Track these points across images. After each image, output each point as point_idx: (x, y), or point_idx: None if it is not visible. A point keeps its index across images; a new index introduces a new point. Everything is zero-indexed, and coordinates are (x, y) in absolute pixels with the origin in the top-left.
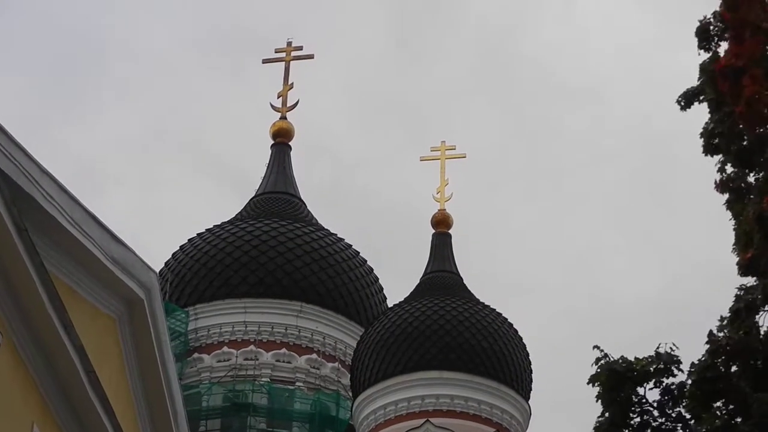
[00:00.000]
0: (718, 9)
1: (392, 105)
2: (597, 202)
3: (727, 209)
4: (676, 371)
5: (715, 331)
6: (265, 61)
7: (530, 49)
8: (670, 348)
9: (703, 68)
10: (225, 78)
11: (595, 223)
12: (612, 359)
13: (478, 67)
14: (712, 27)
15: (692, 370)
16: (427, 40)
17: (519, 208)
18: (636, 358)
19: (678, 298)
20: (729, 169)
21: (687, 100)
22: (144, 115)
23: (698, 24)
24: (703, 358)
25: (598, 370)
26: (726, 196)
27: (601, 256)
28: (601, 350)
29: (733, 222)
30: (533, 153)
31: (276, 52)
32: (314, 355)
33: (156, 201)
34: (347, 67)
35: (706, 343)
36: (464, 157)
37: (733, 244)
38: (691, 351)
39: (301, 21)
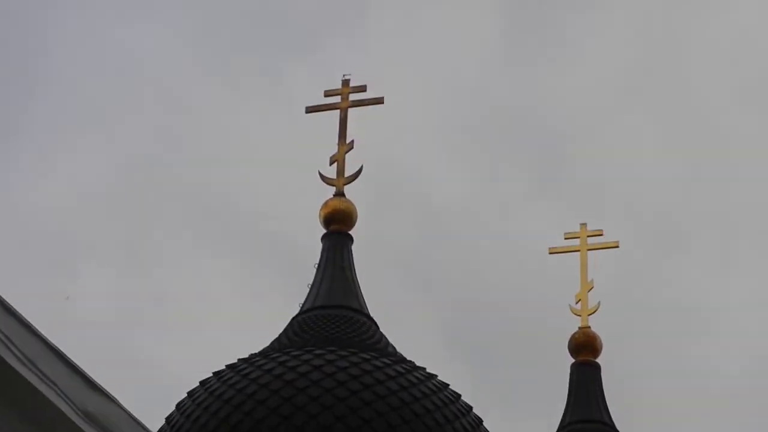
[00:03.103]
0: None
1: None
2: None
3: None
4: None
5: None
6: (309, 110)
7: None
8: None
9: None
10: (246, 131)
11: None
12: None
13: None
14: None
15: None
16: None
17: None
18: None
19: None
20: None
21: None
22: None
23: None
24: None
25: None
26: None
27: None
28: None
29: None
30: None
31: (326, 95)
32: None
33: (152, 295)
34: (434, 113)
35: None
36: (617, 246)
37: None
38: None
39: (360, 48)
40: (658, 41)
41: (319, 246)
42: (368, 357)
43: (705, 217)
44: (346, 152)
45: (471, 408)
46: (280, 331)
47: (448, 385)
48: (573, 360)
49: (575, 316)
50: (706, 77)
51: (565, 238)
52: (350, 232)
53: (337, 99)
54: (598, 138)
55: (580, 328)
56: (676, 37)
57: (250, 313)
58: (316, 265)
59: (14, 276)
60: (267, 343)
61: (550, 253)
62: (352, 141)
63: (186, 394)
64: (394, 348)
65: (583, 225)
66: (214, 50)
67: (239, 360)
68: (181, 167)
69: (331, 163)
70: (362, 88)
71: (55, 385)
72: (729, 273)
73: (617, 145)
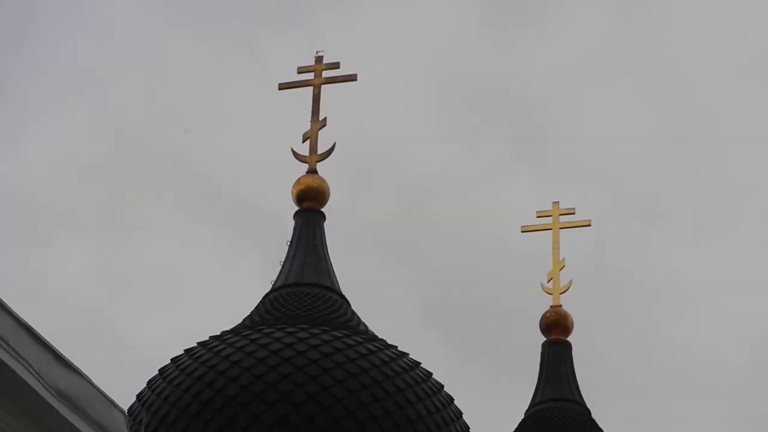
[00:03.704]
0: None
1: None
2: None
3: None
4: None
5: None
6: (282, 87)
7: None
8: None
9: None
10: (223, 104)
11: None
12: None
13: None
14: None
15: None
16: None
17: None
18: None
19: None
20: None
21: None
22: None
23: None
24: None
25: None
26: None
27: None
28: None
29: None
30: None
31: (299, 72)
32: None
33: (125, 270)
34: (409, 89)
35: None
36: (589, 225)
37: None
38: None
39: (331, 24)
40: (638, 14)
41: (292, 224)
42: (340, 335)
43: (680, 195)
44: (319, 129)
45: (442, 386)
46: (252, 309)
47: (420, 363)
48: (544, 338)
49: (547, 294)
50: (685, 52)
51: (538, 217)
52: (323, 210)
53: (310, 76)
54: (573, 115)
55: (551, 306)
56: (656, 11)
57: (222, 289)
58: (289, 243)
59: None
60: (239, 320)
61: (523, 232)
62: (325, 118)
63: (157, 371)
64: (366, 326)
65: (556, 203)
66: (193, 20)
67: (210, 337)
68: (156, 138)
69: (303, 140)
70: (335, 65)
71: (26, 361)
72: (704, 252)
73: (592, 122)
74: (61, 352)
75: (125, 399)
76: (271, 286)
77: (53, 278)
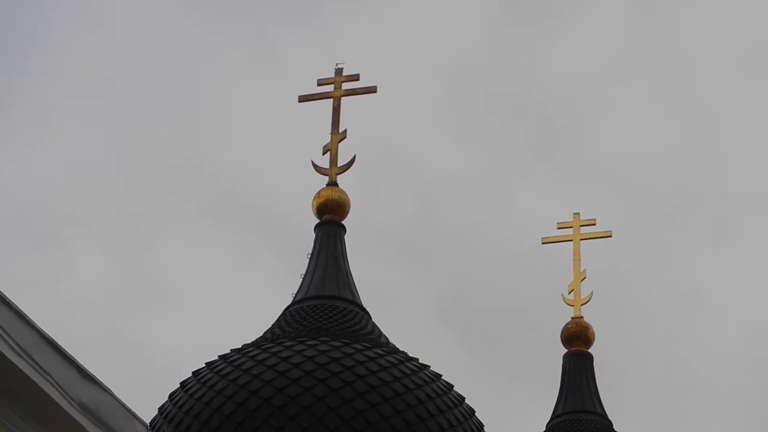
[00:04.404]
0: None
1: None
2: None
3: None
4: None
5: None
6: (302, 99)
7: None
8: None
9: None
10: (245, 114)
11: None
12: None
13: None
14: None
15: None
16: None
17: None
18: None
19: None
20: None
21: None
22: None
23: None
24: None
25: None
26: None
27: None
28: None
29: None
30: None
31: (319, 84)
32: None
33: (145, 280)
34: (427, 96)
35: None
36: (610, 236)
37: None
38: None
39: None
40: (660, 13)
41: (313, 236)
42: (361, 347)
43: (701, 205)
44: (339, 141)
45: (463, 399)
46: (273, 321)
47: (441, 376)
48: (566, 350)
49: (568, 306)
50: (706, 54)
51: (558, 228)
52: (343, 222)
53: (330, 88)
54: (592, 118)
55: (572, 318)
56: (678, 11)
57: (242, 300)
58: (309, 255)
59: (3, 253)
60: (259, 332)
61: (543, 243)
62: (345, 130)
63: (179, 385)
64: (387, 338)
65: (576, 215)
66: (213, 26)
67: (232, 350)
68: (177, 146)
69: (324, 152)
70: (355, 77)
71: (50, 375)
72: (726, 262)
73: (611, 124)
74: (84, 365)
75: (147, 412)
76: (292, 298)
77: (70, 284)
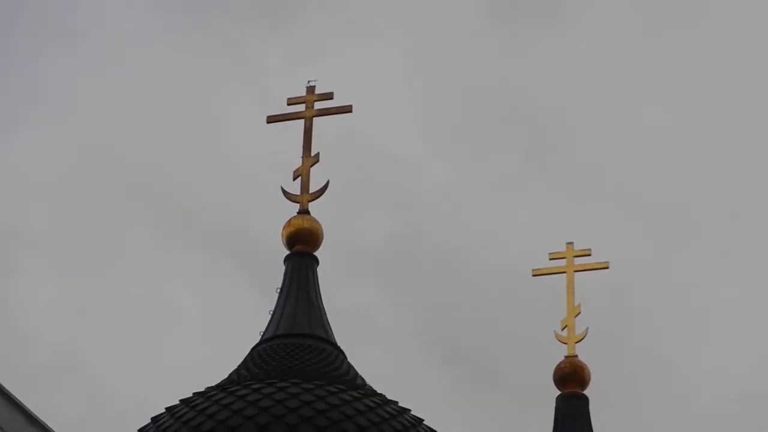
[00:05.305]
0: None
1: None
2: None
3: None
4: None
5: None
6: (270, 120)
7: None
8: None
9: None
10: (200, 140)
11: None
12: None
13: None
14: None
15: None
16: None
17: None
18: None
19: None
20: None
21: None
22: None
23: None
24: None
25: None
26: None
27: None
28: None
29: None
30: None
31: (289, 103)
32: None
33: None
34: (409, 120)
35: None
36: (606, 267)
37: None
38: None
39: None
40: (663, 10)
41: (282, 269)
42: (335, 390)
43: (703, 234)
44: (311, 165)
45: None
46: (239, 362)
47: (423, 420)
48: (559, 392)
49: (561, 343)
50: (717, 55)
51: (550, 259)
52: (315, 253)
53: (301, 108)
54: (585, 144)
55: (566, 356)
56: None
57: (208, 339)
58: (278, 290)
59: None
60: (224, 374)
61: (534, 276)
62: (318, 153)
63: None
64: (363, 380)
65: (570, 244)
66: (178, 39)
67: (194, 394)
68: (138, 165)
69: (294, 178)
70: (329, 96)
71: None
72: (729, 298)
73: (606, 137)
74: (32, 410)
75: None
76: (259, 337)
77: (19, 311)
